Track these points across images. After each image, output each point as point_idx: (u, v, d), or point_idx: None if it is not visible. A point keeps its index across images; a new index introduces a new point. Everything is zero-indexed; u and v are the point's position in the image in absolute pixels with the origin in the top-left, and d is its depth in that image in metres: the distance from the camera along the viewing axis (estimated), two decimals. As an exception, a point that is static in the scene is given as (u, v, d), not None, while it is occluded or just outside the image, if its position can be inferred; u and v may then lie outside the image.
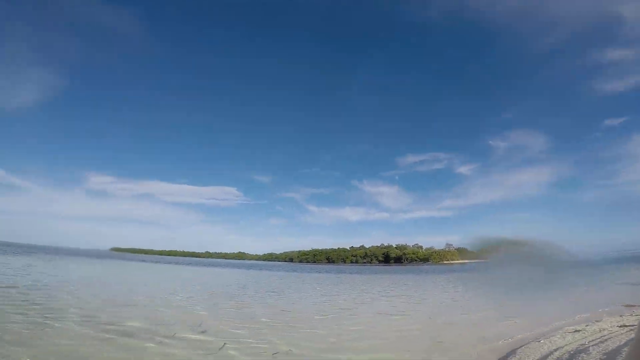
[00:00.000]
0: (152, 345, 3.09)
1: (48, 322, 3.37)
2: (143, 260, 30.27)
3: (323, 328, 4.56)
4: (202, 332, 3.89)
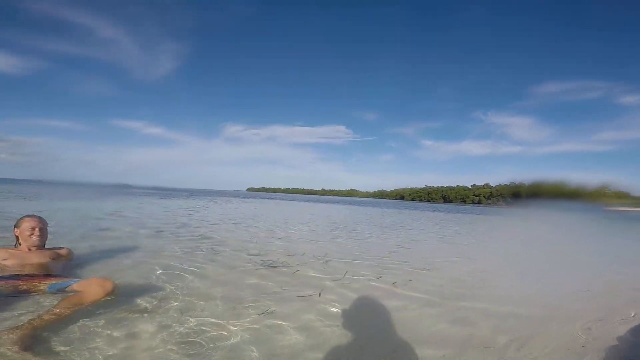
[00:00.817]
0: (288, 271, 3.37)
1: (215, 254, 4.09)
2: (273, 198, 34.81)
3: (441, 266, 4.18)
4: (327, 261, 3.97)
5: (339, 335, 1.96)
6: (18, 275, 2.20)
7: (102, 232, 5.27)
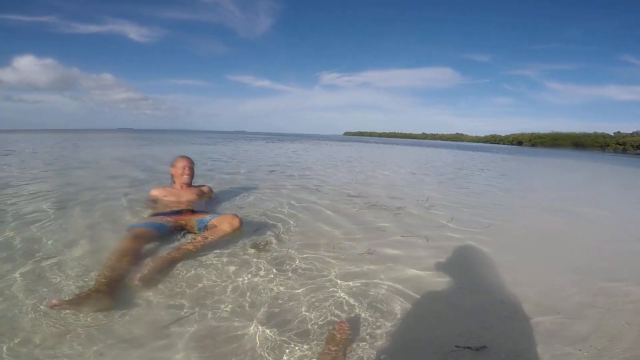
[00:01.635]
0: (389, 215, 3.35)
1: (318, 193, 4.38)
2: (370, 142, 34.53)
3: (563, 224, 3.53)
4: (429, 207, 3.84)
5: (441, 281, 1.94)
6: (176, 211, 2.64)
7: (228, 171, 6.18)
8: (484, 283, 1.96)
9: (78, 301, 1.40)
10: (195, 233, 2.39)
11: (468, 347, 1.34)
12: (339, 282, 1.84)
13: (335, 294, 1.71)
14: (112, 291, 1.52)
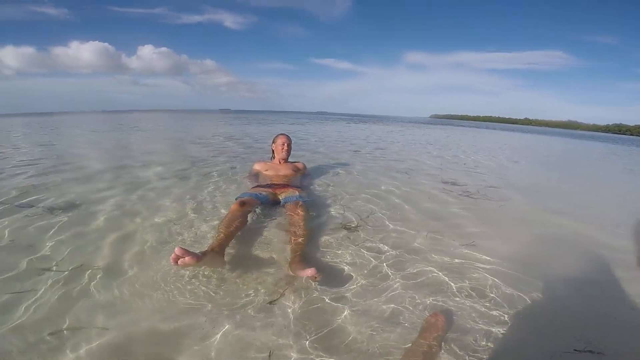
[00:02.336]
0: (491, 205, 3.13)
1: (409, 177, 4.23)
2: (462, 126, 31.74)
3: None
4: (539, 199, 3.37)
5: (556, 279, 1.74)
6: (273, 184, 2.82)
7: (317, 149, 6.42)
8: (609, 286, 1.72)
9: (197, 257, 1.50)
10: (280, 203, 2.57)
11: (589, 351, 1.23)
12: (435, 271, 1.78)
13: (432, 284, 1.67)
14: (223, 252, 1.72)
